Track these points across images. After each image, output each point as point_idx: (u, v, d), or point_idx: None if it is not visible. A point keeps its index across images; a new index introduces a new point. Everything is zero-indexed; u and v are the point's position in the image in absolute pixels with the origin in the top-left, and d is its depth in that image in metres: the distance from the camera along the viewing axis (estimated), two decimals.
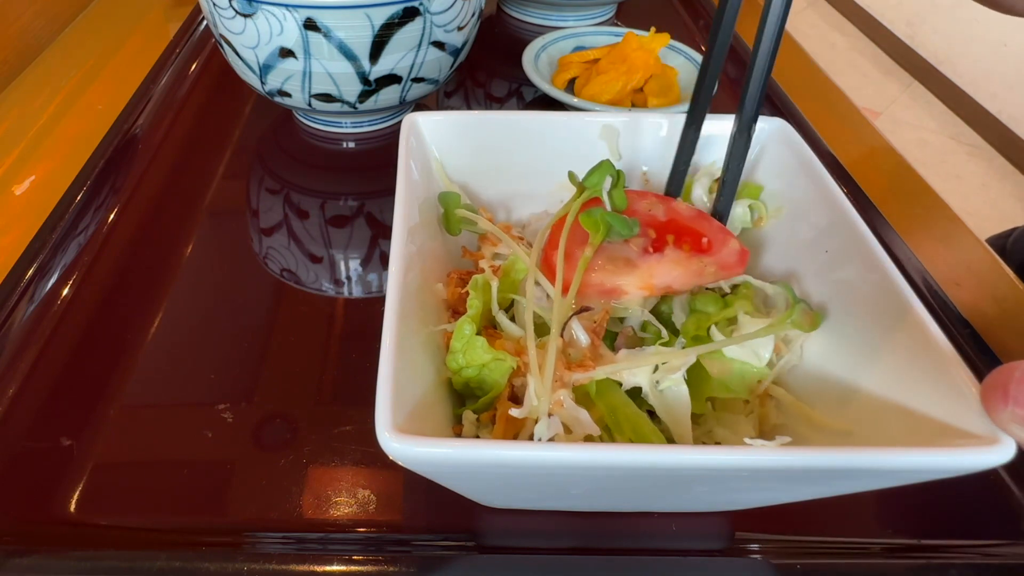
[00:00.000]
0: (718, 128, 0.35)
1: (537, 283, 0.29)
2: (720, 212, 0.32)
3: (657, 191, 0.37)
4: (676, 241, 0.30)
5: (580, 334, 0.28)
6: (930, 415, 0.23)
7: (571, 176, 0.33)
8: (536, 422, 0.25)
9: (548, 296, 0.29)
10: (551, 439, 0.24)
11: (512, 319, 0.30)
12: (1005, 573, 0.29)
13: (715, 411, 0.29)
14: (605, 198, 0.31)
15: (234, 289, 0.41)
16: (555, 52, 0.60)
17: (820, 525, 0.30)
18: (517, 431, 0.25)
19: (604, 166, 0.31)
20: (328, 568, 0.28)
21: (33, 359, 0.36)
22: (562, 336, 0.27)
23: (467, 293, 0.29)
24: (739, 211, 0.34)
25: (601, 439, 0.26)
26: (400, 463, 0.20)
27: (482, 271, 0.30)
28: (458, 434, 0.26)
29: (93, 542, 0.29)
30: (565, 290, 0.28)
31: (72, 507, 0.30)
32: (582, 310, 0.29)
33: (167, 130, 0.54)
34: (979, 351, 0.38)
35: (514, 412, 0.25)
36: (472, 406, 0.27)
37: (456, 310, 0.30)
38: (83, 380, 0.35)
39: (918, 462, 0.20)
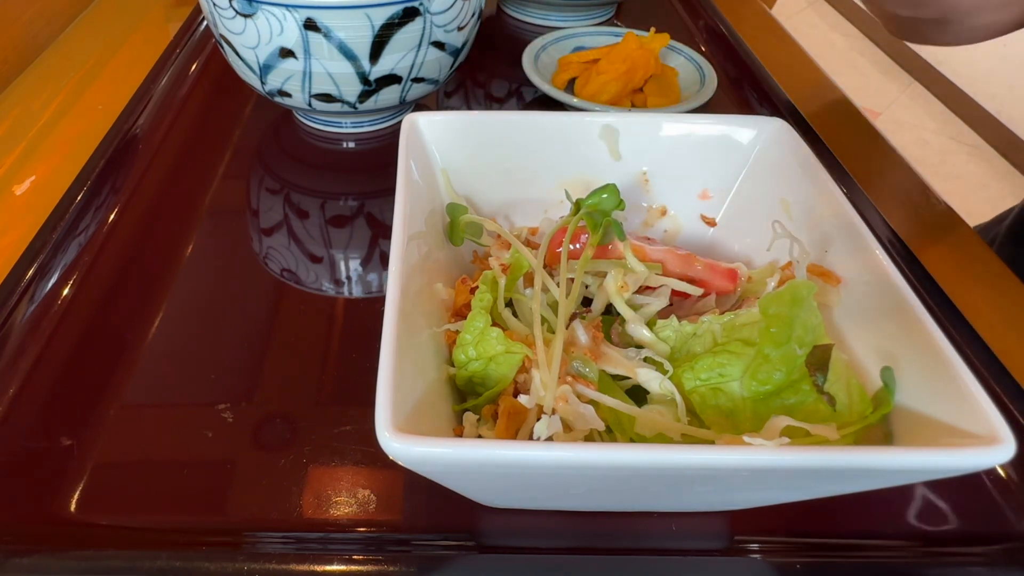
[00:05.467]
0: (709, 129, 0.35)
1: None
2: None
3: (658, 191, 0.37)
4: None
5: (581, 333, 0.28)
6: (930, 415, 0.23)
7: (567, 194, 0.33)
8: (538, 418, 0.25)
9: (550, 292, 0.29)
10: (550, 438, 0.24)
11: (513, 316, 0.30)
12: (1005, 573, 0.29)
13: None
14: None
15: (234, 289, 0.41)
16: (555, 52, 0.60)
17: (820, 525, 0.30)
18: (518, 427, 0.26)
19: (610, 190, 0.31)
20: (328, 568, 0.28)
21: (33, 359, 0.36)
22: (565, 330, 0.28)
23: (474, 294, 0.29)
24: None
25: (602, 437, 0.26)
26: (400, 463, 0.20)
27: (490, 268, 0.30)
28: (459, 434, 0.26)
29: (93, 542, 0.29)
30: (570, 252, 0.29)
31: (72, 507, 0.30)
32: (584, 311, 0.29)
33: (167, 130, 0.54)
34: (979, 351, 0.38)
35: (522, 399, 0.25)
36: (473, 402, 0.27)
37: (459, 312, 0.30)
38: (83, 380, 0.35)
39: (918, 462, 0.20)
